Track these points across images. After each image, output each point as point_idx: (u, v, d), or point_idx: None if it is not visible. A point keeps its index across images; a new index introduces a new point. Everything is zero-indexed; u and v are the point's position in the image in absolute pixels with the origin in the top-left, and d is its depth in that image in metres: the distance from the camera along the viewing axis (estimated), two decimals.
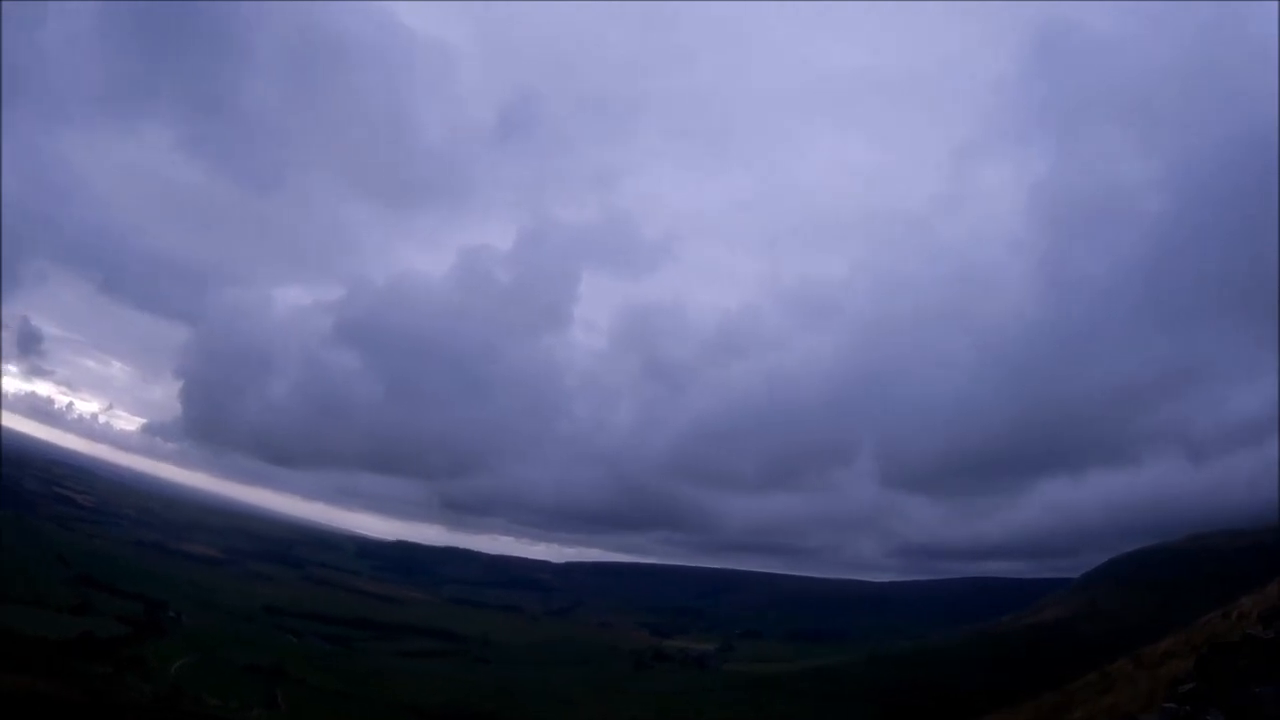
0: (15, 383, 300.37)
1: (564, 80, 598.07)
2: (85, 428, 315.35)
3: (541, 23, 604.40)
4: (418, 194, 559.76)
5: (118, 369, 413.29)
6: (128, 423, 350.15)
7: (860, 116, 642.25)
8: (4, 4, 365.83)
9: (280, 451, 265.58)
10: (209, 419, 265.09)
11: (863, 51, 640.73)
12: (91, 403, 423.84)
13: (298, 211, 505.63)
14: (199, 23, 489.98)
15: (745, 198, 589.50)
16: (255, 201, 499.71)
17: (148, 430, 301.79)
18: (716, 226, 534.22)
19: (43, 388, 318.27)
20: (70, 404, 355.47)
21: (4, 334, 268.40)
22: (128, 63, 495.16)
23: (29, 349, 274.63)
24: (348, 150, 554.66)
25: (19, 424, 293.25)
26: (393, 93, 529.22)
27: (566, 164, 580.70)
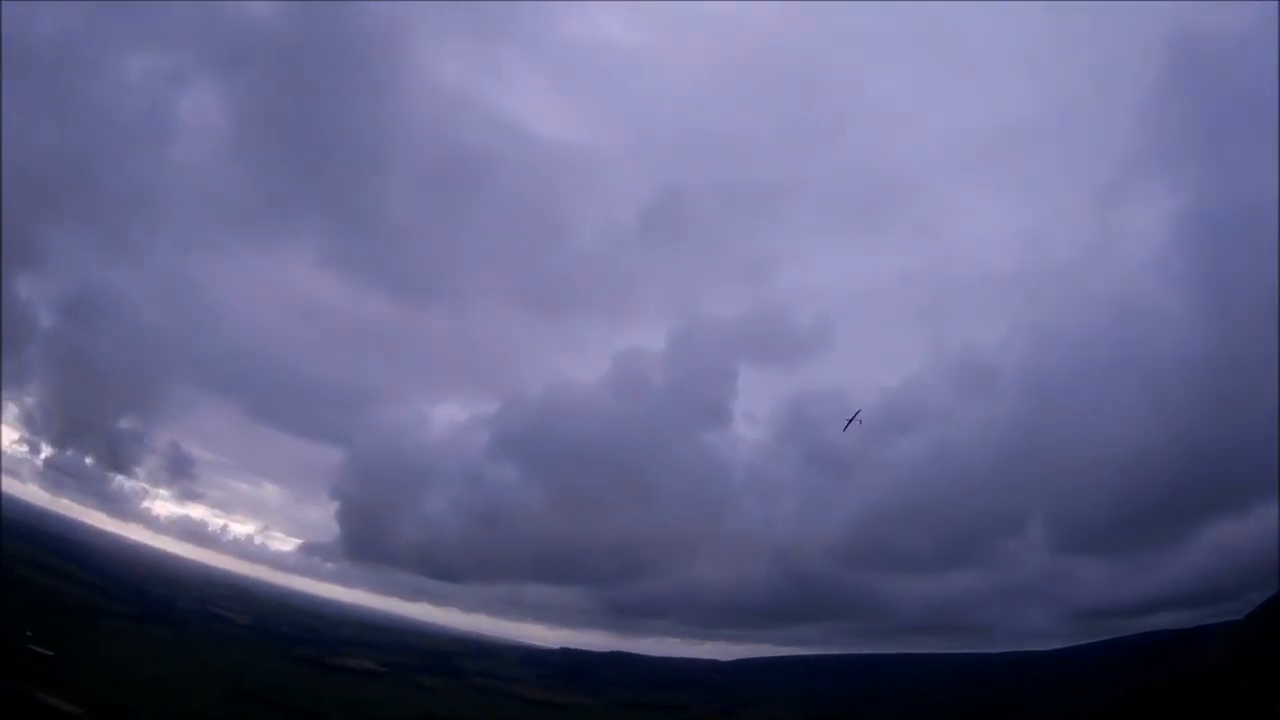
0: (168, 507, 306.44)
1: (707, 172, 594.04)
2: (240, 549, 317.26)
3: (680, 117, 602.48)
4: (568, 300, 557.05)
5: (271, 491, 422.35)
6: (284, 543, 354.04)
7: (1001, 175, 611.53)
8: (133, 133, 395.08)
9: (441, 566, 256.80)
10: (367, 537, 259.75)
11: (993, 110, 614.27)
12: (246, 524, 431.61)
13: (448, 326, 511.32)
14: (338, 139, 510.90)
15: (898, 271, 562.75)
16: (404, 318, 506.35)
17: (304, 550, 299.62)
18: (872, 303, 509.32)
19: (196, 511, 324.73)
20: (224, 526, 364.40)
21: (154, 460, 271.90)
22: (266, 181, 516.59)
23: (180, 474, 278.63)
24: (493, 262, 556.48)
25: (173, 546, 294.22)
26: (536, 201, 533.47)
27: (715, 258, 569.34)
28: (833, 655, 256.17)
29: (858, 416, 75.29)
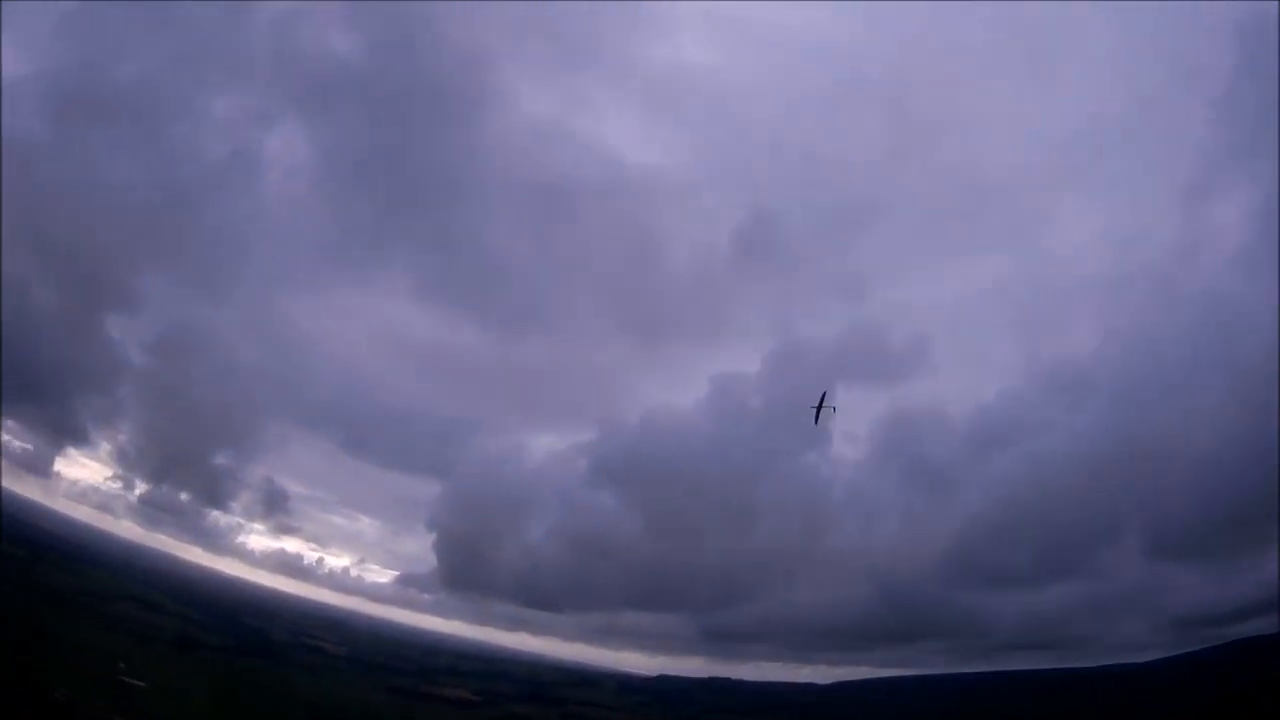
0: (264, 541, 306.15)
1: (797, 190, 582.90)
2: (337, 581, 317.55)
3: (767, 136, 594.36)
4: (662, 326, 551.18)
5: (366, 524, 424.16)
6: (380, 575, 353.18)
7: (1088, 177, 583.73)
8: (221, 173, 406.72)
9: (539, 595, 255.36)
10: (464, 567, 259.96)
11: (1075, 111, 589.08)
12: (342, 557, 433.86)
13: (545, 355, 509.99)
14: (428, 172, 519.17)
15: (991, 281, 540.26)
16: (500, 348, 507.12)
17: (401, 581, 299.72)
18: (966, 315, 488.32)
19: (291, 545, 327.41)
20: (320, 559, 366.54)
21: (250, 495, 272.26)
22: (356, 215, 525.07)
23: (275, 508, 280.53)
24: (587, 289, 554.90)
25: (269, 580, 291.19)
26: (628, 227, 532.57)
27: (808, 277, 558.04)
28: (929, 675, 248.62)
29: (825, 403, 67.93)
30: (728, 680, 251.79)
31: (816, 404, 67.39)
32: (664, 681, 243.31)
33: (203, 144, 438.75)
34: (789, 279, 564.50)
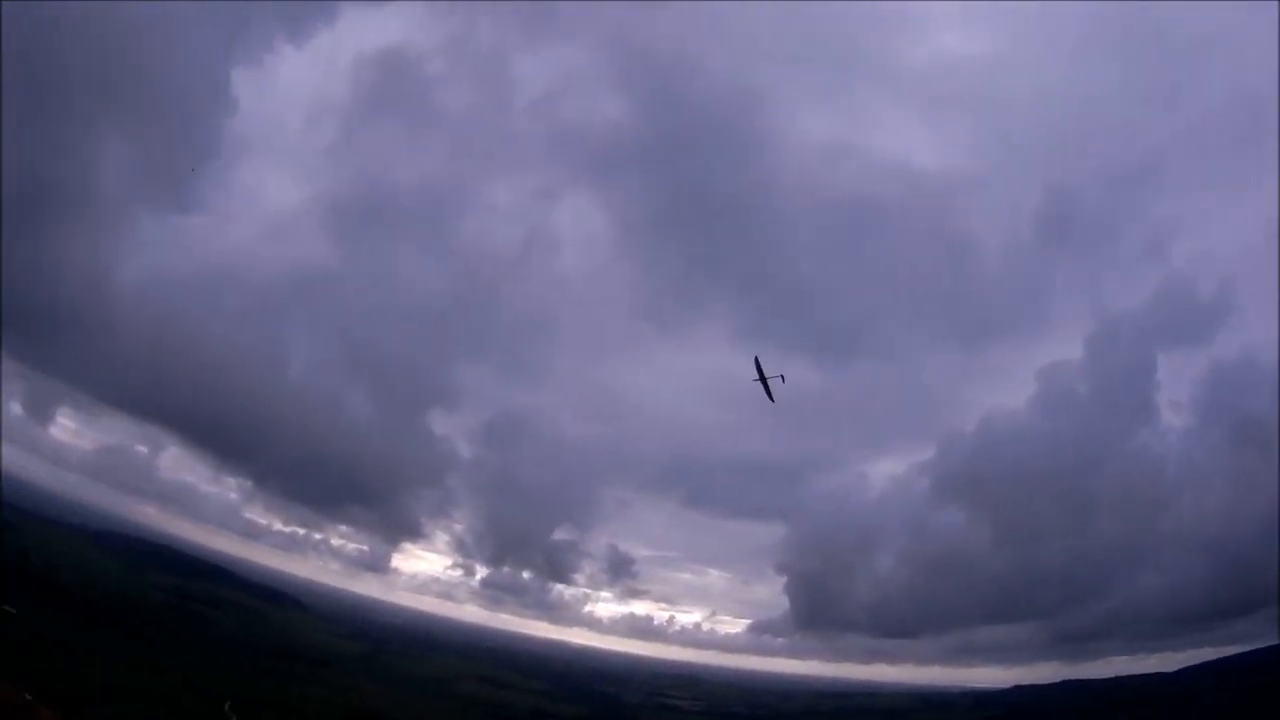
0: (611, 607, 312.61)
1: (1084, 160, 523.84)
2: (688, 637, 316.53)
3: (1043, 113, 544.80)
4: (982, 328, 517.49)
5: (715, 576, 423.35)
6: (732, 625, 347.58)
7: None
8: (521, 258, 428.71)
9: (892, 623, 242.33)
10: (815, 606, 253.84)
11: None
12: (693, 613, 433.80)
13: (873, 379, 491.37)
14: (722, 215, 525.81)
15: None
16: (828, 379, 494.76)
17: (754, 629, 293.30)
18: (1268, 252, 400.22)
19: (640, 607, 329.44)
20: (670, 618, 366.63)
21: (593, 564, 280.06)
22: (660, 270, 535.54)
23: (620, 573, 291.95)
24: (902, 304, 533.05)
25: (618, 644, 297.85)
26: (931, 233, 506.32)
27: (1111, 247, 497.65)
28: (1272, 647, 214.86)
29: (766, 374, 57.94)
30: (1080, 681, 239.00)
31: (758, 376, 58.21)
32: (1017, 693, 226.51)
33: (494, 232, 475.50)
34: (1093, 253, 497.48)
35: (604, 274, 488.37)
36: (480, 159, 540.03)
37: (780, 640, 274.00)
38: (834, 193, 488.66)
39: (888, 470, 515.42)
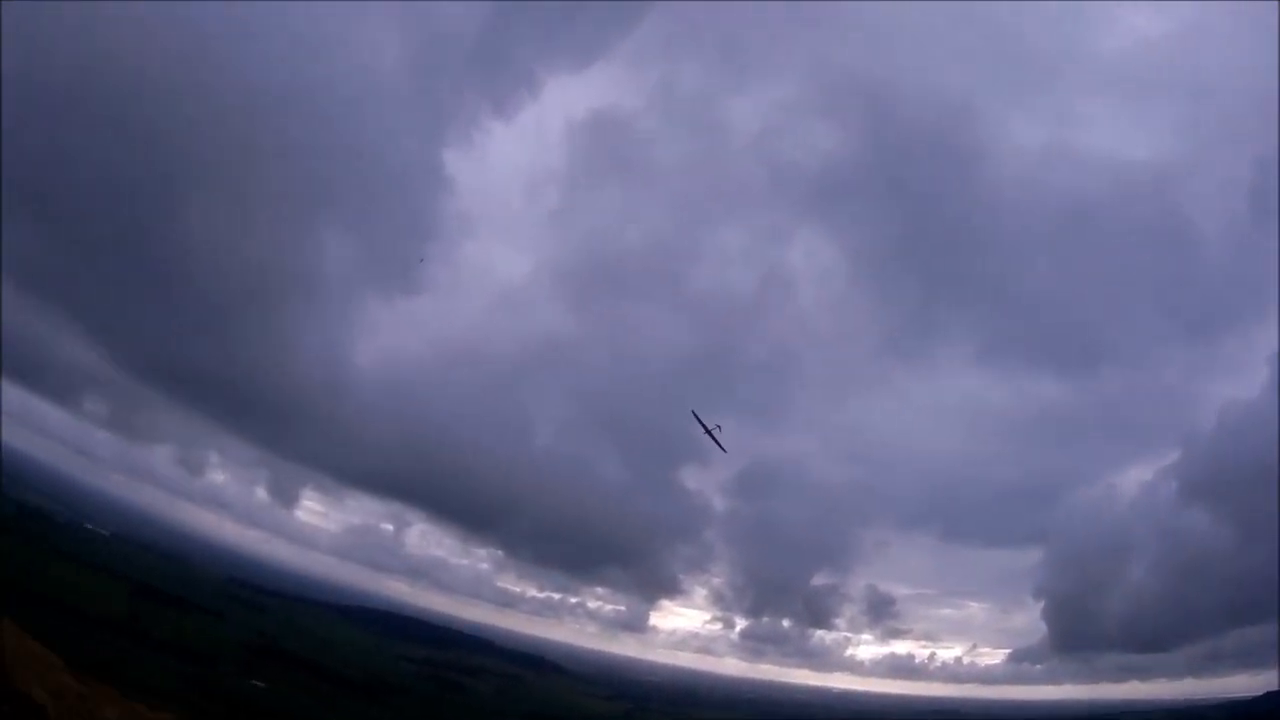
0: (872, 649, 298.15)
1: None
2: (949, 673, 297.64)
3: (1242, 80, 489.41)
4: (1212, 319, 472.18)
5: (975, 609, 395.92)
6: (991, 657, 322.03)
7: None
8: (758, 302, 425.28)
9: (1145, 637, 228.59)
10: (1073, 627, 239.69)
11: None
12: (953, 648, 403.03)
13: (1114, 385, 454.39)
14: (951, 234, 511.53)
15: None
16: (1074, 391, 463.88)
17: (1013, 657, 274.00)
18: None
19: (901, 646, 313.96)
20: (931, 655, 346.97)
21: (853, 607, 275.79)
22: (896, 297, 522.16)
23: (882, 614, 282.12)
24: (1134, 302, 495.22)
25: (879, 686, 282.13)
26: (1155, 227, 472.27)
27: None
28: None
29: (707, 427, 58.62)
30: None
31: (703, 429, 58.49)
32: (1271, 699, 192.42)
33: (728, 278, 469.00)
34: None
35: (842, 307, 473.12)
36: (704, 206, 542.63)
37: (1038, 667, 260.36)
38: (1053, 197, 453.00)
39: (1137, 477, 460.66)
